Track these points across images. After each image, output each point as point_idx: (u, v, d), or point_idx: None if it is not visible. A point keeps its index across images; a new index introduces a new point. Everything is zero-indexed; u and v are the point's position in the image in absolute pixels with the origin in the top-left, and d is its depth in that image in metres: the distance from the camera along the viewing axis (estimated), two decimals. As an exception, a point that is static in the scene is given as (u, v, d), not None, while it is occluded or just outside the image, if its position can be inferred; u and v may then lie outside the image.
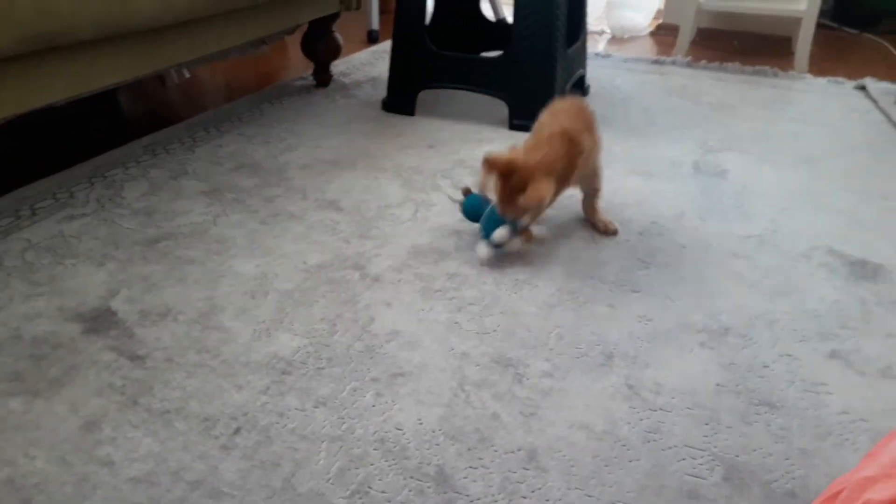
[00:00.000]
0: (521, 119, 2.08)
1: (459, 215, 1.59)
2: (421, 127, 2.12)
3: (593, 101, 2.39)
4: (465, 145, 1.99)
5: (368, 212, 1.59)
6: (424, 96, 2.23)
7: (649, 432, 1.01)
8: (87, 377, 1.08)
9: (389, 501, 0.89)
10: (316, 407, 1.03)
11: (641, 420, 1.03)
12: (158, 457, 0.94)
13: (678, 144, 2.02)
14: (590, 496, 0.90)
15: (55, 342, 1.15)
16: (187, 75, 2.54)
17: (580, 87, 2.41)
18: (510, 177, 1.31)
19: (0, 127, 1.61)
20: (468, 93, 2.17)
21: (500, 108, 2.13)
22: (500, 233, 1.38)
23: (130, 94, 2.45)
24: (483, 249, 1.40)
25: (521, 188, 1.30)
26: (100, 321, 1.21)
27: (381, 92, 2.31)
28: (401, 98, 2.21)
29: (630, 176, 1.81)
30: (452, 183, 1.74)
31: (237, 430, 0.99)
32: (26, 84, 1.41)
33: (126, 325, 1.20)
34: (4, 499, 0.89)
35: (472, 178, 1.78)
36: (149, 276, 1.33)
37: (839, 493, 0.57)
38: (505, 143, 2.00)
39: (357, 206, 1.62)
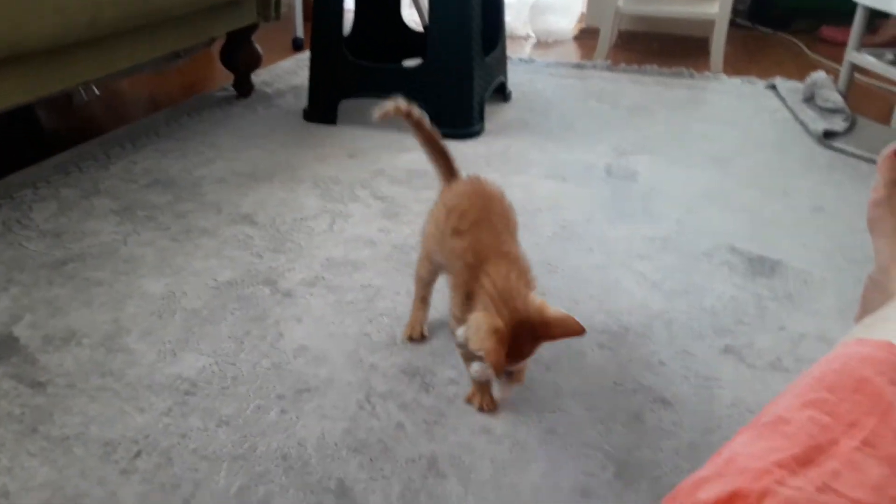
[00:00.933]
0: (440, 127, 2.10)
1: (377, 224, 1.61)
2: (342, 136, 2.13)
3: (514, 108, 2.44)
4: (386, 154, 2.01)
5: (284, 225, 1.60)
6: (347, 105, 2.24)
7: (547, 433, 1.04)
8: (-17, 407, 1.06)
9: (288, 517, 0.90)
10: (218, 426, 1.03)
11: (540, 422, 1.06)
12: (55, 485, 0.94)
13: (593, 148, 2.08)
14: (485, 500, 0.93)
15: (-49, 372, 1.13)
16: (97, 93, 2.49)
17: (501, 94, 2.45)
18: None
19: None
20: (389, 101, 2.19)
21: (422, 116, 2.16)
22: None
23: (49, 109, 2.40)
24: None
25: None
26: (0, 349, 1.19)
27: (304, 101, 2.31)
28: (321, 107, 2.22)
29: (545, 180, 1.86)
30: (371, 192, 1.76)
31: (138, 454, 0.99)
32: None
33: (28, 351, 1.19)
34: None
35: (391, 187, 1.80)
36: (54, 300, 1.31)
37: (678, 493, 0.61)
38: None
39: (272, 220, 1.62)
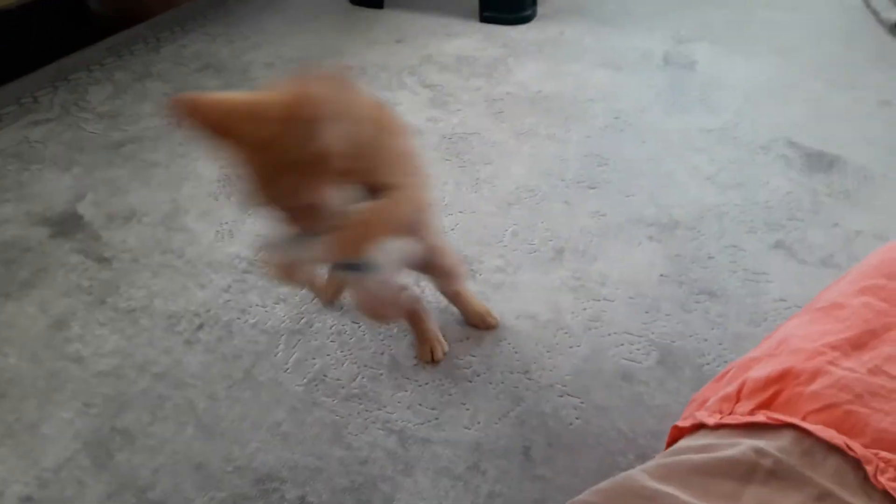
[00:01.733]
0: (491, 11, 2.04)
1: (425, 112, 1.60)
2: (389, 20, 2.08)
3: (569, -9, 2.33)
4: (434, 39, 1.95)
5: (333, 111, 1.59)
6: (394, -12, 2.17)
7: (591, 321, 1.06)
8: (55, 279, 1.13)
9: (344, 387, 0.95)
10: (276, 304, 1.08)
11: (585, 310, 1.08)
12: (125, 352, 1.00)
13: (650, 35, 1.99)
14: (529, 379, 0.97)
15: (24, 246, 1.19)
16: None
17: (555, -24, 2.33)
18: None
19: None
20: (439, -16, 2.11)
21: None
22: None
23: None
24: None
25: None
26: (67, 225, 1.24)
27: (351, -16, 2.24)
28: (369, -9, 2.15)
29: (598, 69, 1.80)
30: (419, 79, 1.73)
31: (200, 326, 1.04)
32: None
33: (92, 228, 1.24)
34: (-16, 393, 0.95)
35: (440, 74, 1.77)
36: (114, 180, 1.35)
37: (727, 372, 0.62)
38: (475, 36, 1.97)
39: (322, 106, 1.61)
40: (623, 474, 0.52)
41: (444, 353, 1.00)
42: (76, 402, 0.93)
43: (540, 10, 2.12)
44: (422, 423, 0.91)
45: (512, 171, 1.40)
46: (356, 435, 0.90)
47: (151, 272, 1.14)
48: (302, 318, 1.06)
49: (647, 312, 1.08)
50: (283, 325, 1.05)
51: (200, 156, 1.42)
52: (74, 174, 1.37)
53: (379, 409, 0.93)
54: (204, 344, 1.01)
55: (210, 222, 1.24)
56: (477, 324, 1.05)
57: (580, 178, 1.38)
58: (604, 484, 0.52)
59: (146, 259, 1.16)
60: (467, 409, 0.93)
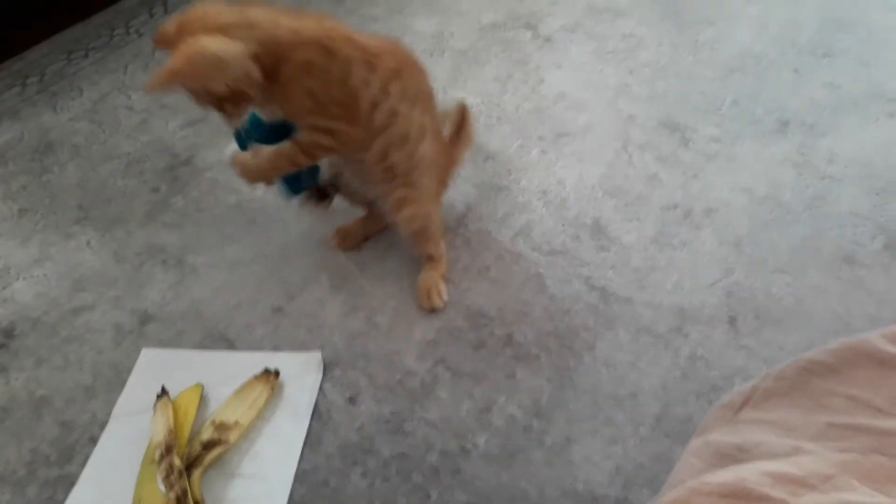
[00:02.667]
0: None
1: None
2: None
3: None
4: None
5: (544, -33, 1.54)
6: None
7: (814, 199, 1.01)
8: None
9: (548, 244, 0.99)
10: (485, 160, 1.12)
11: (807, 187, 1.02)
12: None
13: None
14: (741, 253, 0.95)
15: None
16: None
17: None
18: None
19: None
20: None
21: None
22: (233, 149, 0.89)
23: None
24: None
25: None
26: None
27: None
28: None
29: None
30: None
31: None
32: None
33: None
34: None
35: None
36: (336, 34, 1.43)
37: None
38: None
39: (532, -39, 1.56)
40: (856, 337, 0.52)
41: (443, 304, 0.93)
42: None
43: None
44: (624, 283, 0.93)
45: (736, 35, 1.30)
46: (559, 287, 0.94)
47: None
48: (510, 175, 1.09)
49: (877, 195, 1.00)
50: (492, 180, 1.09)
51: (416, 11, 1.45)
52: (301, 27, 1.45)
53: (581, 267, 0.96)
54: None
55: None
56: (420, 298, 0.94)
57: (814, 44, 1.26)
58: (835, 344, 0.52)
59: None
60: (672, 275, 0.93)
